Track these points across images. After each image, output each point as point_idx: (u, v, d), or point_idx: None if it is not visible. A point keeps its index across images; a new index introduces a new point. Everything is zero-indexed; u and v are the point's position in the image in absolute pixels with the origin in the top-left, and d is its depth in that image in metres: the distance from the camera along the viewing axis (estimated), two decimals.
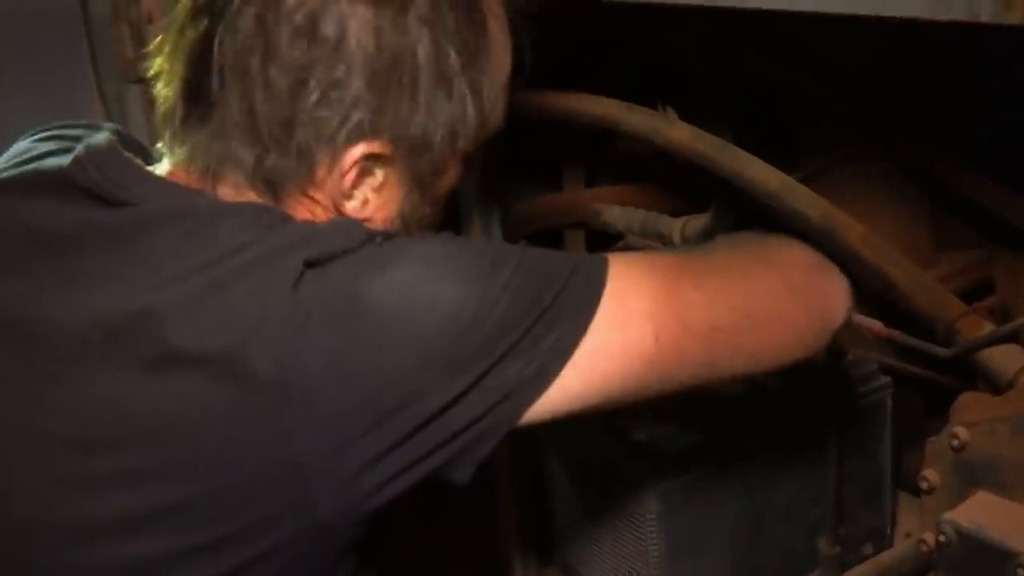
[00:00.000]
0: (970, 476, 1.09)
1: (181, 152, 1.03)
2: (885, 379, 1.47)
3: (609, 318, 0.97)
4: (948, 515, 1.06)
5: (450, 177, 1.10)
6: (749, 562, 1.44)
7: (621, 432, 1.45)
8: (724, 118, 1.74)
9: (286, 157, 0.99)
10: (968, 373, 1.41)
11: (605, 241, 2.05)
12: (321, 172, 1.01)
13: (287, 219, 0.99)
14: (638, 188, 2.05)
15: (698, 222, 1.81)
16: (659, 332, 0.99)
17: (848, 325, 1.50)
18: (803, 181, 1.52)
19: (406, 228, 1.08)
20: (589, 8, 1.10)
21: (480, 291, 0.93)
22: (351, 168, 1.01)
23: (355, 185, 1.03)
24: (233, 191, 1.02)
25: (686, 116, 1.69)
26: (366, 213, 1.04)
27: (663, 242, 1.86)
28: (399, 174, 1.05)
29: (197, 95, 1.01)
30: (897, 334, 1.37)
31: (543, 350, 0.94)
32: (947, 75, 1.62)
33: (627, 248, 1.90)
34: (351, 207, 1.04)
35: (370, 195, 1.04)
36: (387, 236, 0.98)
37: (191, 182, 1.02)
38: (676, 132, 1.58)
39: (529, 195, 2.14)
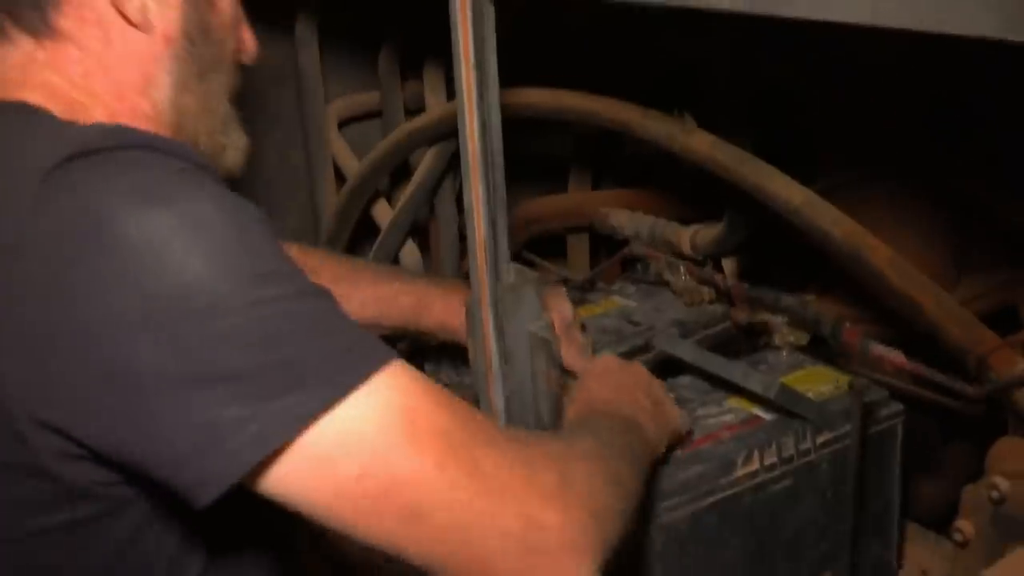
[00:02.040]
0: (1010, 531, 1.02)
1: None
2: (896, 406, 1.40)
3: (379, 409, 0.84)
4: (987, 573, 0.98)
5: (224, 6, 1.05)
6: None
7: None
8: (743, 126, 1.67)
9: None
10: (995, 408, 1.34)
11: (610, 246, 1.99)
12: None
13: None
14: (646, 192, 1.99)
15: (710, 232, 1.74)
16: (441, 461, 0.85)
17: (868, 356, 1.44)
18: (821, 194, 1.46)
19: (197, 64, 1.02)
20: (603, 8, 1.04)
21: (232, 287, 0.81)
22: None
23: None
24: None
25: (704, 122, 1.63)
26: (147, 19, 0.98)
27: (671, 250, 1.80)
28: None
29: None
30: (921, 368, 1.30)
31: (269, 409, 0.81)
32: (973, 91, 1.55)
33: (631, 255, 1.83)
34: (132, 8, 0.96)
35: (148, 1, 0.97)
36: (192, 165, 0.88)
37: None
38: (695, 140, 1.51)
39: (534, 195, 2.08)
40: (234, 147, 1.11)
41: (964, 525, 1.06)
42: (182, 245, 0.80)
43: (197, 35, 1.02)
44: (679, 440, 1.27)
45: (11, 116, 0.92)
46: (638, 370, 1.27)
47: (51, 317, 0.80)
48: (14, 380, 0.82)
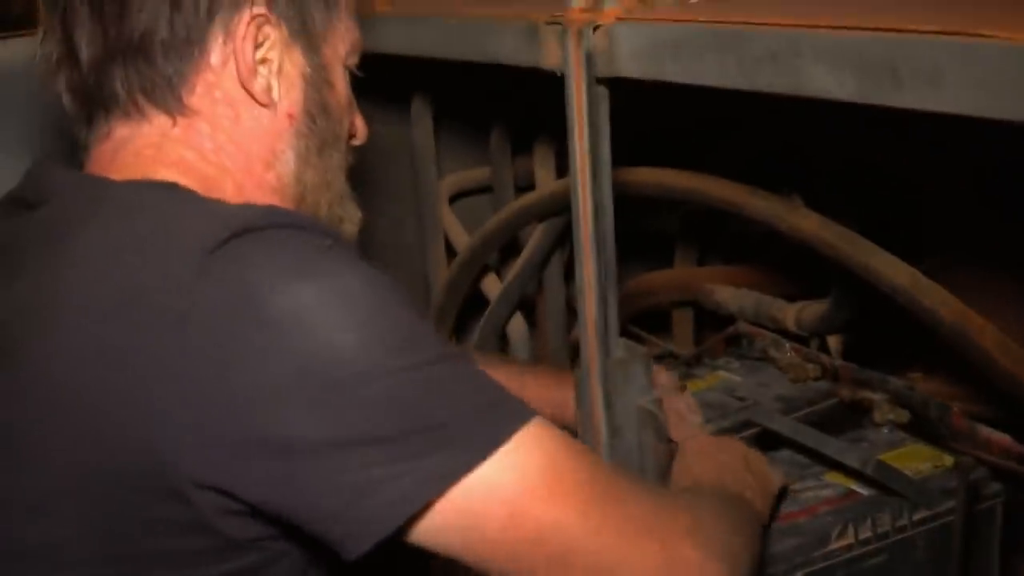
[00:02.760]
0: None
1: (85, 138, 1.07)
2: (997, 486, 1.39)
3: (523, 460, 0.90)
4: None
5: (340, 89, 1.13)
6: None
7: None
8: (850, 205, 1.69)
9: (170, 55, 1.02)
10: None
11: (715, 321, 2.01)
12: (215, 53, 1.03)
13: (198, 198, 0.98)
14: (751, 268, 2.01)
15: (816, 309, 1.76)
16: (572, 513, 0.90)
17: (975, 439, 1.45)
18: (927, 273, 1.46)
19: (317, 140, 1.10)
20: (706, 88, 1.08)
21: (377, 357, 0.87)
22: (247, 28, 1.02)
23: (255, 53, 1.03)
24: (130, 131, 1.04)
25: (811, 201, 1.66)
26: (272, 98, 1.05)
27: (776, 327, 1.81)
28: (291, 59, 1.07)
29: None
30: None
31: (417, 469, 0.86)
32: None
33: (737, 334, 1.85)
34: (259, 88, 1.04)
35: (273, 81, 1.05)
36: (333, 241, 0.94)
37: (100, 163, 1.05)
38: (801, 219, 1.53)
39: (641, 271, 2.11)
40: (350, 220, 1.19)
41: None
42: (330, 318, 0.86)
43: (317, 113, 1.10)
44: (783, 497, 1.30)
45: (162, 194, 0.98)
46: (734, 444, 1.31)
47: (210, 386, 0.85)
48: (175, 443, 0.86)
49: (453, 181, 2.19)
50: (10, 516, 0.92)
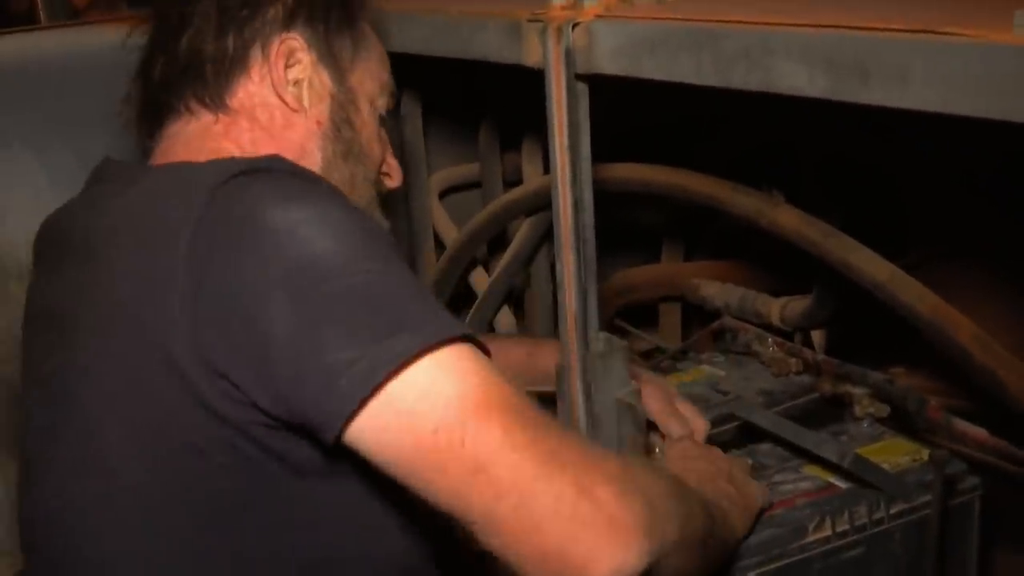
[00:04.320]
0: None
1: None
2: (974, 479, 1.41)
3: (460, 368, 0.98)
4: None
5: (365, 116, 1.30)
6: None
7: None
8: (832, 201, 1.70)
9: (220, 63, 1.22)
10: None
11: (701, 315, 2.03)
12: (255, 69, 1.23)
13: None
14: (737, 264, 2.03)
15: (799, 305, 1.77)
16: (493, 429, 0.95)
17: (951, 431, 1.46)
18: (909, 268, 1.48)
19: (343, 147, 1.26)
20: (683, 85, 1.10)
21: (347, 260, 1.01)
22: (279, 47, 1.22)
23: (288, 66, 1.23)
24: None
25: (793, 198, 1.67)
26: (302, 105, 1.24)
27: (761, 322, 1.83)
28: (320, 78, 1.25)
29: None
30: (1003, 444, 1.32)
31: (378, 348, 0.96)
32: None
33: (723, 328, 1.87)
34: (291, 97, 1.23)
35: (304, 92, 1.24)
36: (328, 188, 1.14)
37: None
38: (782, 216, 1.55)
39: (627, 265, 2.12)
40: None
41: None
42: (314, 231, 1.01)
43: (342, 124, 1.27)
44: (760, 516, 1.31)
45: (197, 166, 1.15)
46: (717, 456, 1.34)
47: (211, 280, 1.00)
48: (178, 330, 1.01)
49: (442, 177, 2.20)
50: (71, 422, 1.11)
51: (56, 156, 1.69)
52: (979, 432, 1.35)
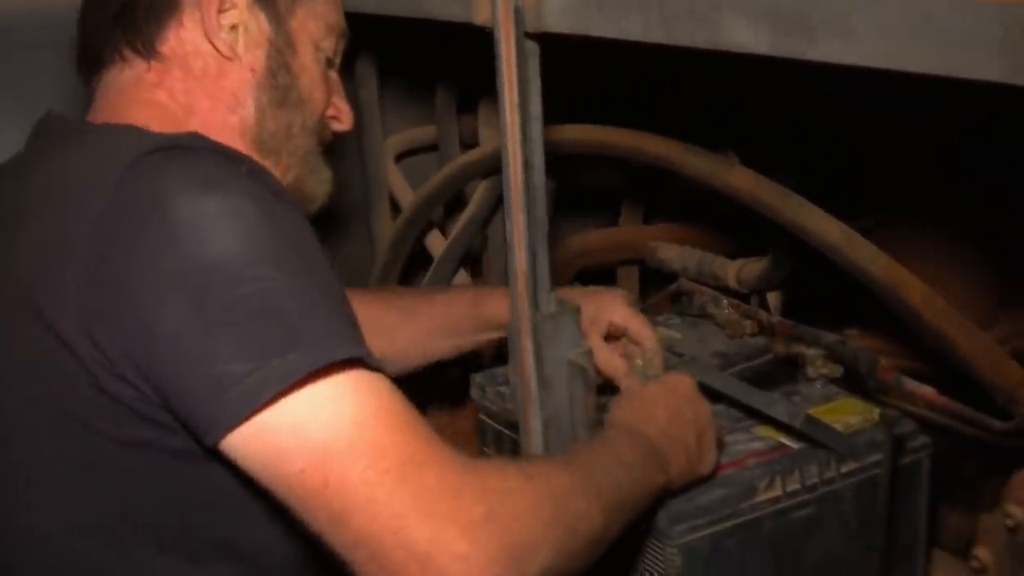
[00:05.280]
0: None
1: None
2: (924, 439, 1.42)
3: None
4: None
5: (306, 59, 1.26)
6: None
7: None
8: (786, 163, 1.70)
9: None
10: None
11: (659, 278, 2.03)
12: (186, 15, 1.19)
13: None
14: (695, 227, 2.03)
15: (755, 267, 1.78)
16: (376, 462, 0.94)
17: (901, 391, 1.47)
18: (864, 230, 1.48)
19: (279, 95, 1.23)
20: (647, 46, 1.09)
21: (254, 265, 0.97)
22: None
23: (222, 11, 1.19)
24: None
25: (747, 159, 1.67)
26: (236, 52, 1.21)
27: (718, 284, 1.83)
28: (256, 23, 1.22)
29: None
30: (951, 403, 1.32)
31: (268, 365, 0.94)
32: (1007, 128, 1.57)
33: (679, 291, 1.87)
34: (223, 44, 1.20)
35: (238, 39, 1.21)
36: (251, 170, 1.07)
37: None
38: (736, 177, 1.54)
39: (585, 227, 2.12)
40: (318, 177, 1.33)
41: (982, 552, 1.08)
42: (220, 227, 0.98)
43: (278, 71, 1.24)
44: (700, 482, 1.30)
45: (120, 131, 1.14)
46: (703, 408, 1.30)
47: (106, 266, 0.98)
48: (79, 312, 0.99)
49: (399, 140, 2.19)
50: None
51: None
52: (928, 391, 1.36)
